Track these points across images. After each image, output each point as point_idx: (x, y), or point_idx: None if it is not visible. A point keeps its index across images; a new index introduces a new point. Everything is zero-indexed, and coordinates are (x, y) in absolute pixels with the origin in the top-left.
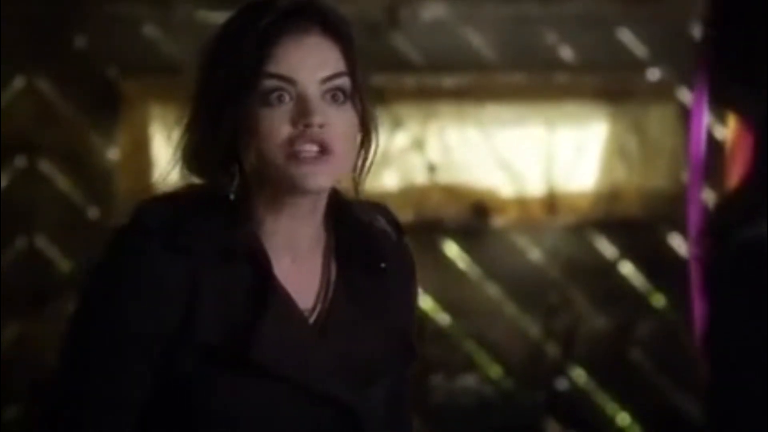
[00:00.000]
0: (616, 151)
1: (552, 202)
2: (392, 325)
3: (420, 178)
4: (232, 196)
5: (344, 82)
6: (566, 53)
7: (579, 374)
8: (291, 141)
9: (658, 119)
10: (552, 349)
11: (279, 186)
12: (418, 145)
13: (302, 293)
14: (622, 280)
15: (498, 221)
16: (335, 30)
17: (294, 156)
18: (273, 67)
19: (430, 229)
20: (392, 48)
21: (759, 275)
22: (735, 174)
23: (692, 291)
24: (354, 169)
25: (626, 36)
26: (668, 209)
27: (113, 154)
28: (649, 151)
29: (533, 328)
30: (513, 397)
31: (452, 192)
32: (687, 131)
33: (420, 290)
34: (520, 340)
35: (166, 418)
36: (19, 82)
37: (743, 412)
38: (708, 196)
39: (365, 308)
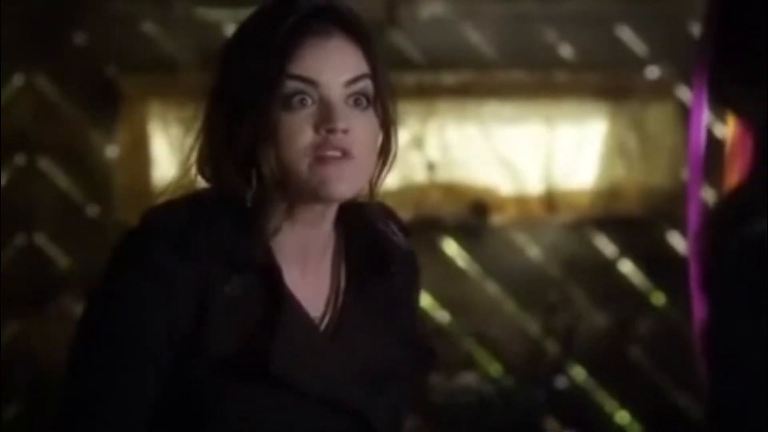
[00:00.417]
0: (616, 149)
1: (551, 200)
2: (403, 329)
3: (419, 176)
4: (249, 203)
5: (367, 85)
6: (566, 51)
7: (579, 372)
8: (313, 147)
9: (658, 117)
10: (552, 347)
11: (299, 193)
12: (418, 143)
13: (312, 299)
14: (622, 278)
15: (497, 219)
16: (357, 32)
17: (317, 161)
18: (295, 69)
19: (430, 227)
20: (392, 46)
21: (760, 273)
22: (734, 172)
23: (692, 289)
24: (371, 177)
25: (626, 34)
26: (668, 207)
27: (112, 151)
28: (649, 149)
29: (533, 326)
30: (513, 395)
31: (452, 190)
32: (686, 129)
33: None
34: (520, 338)
35: (179, 430)
36: (18, 80)
37: (746, 410)
38: (708, 195)
39: (376, 312)
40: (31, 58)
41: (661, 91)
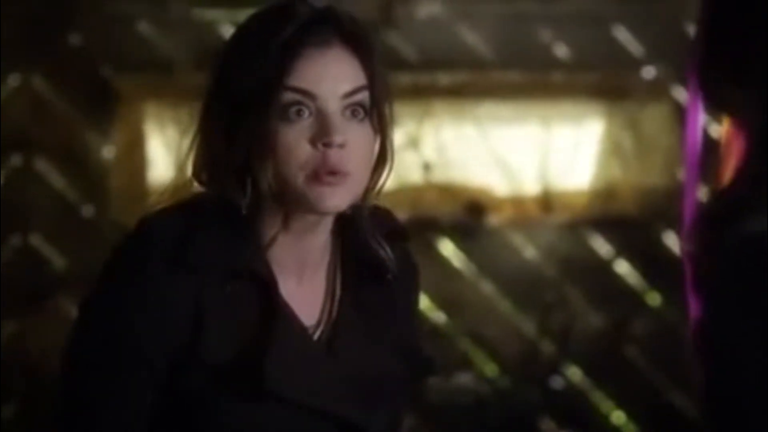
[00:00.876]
0: (612, 149)
1: (547, 200)
2: (400, 338)
3: (415, 176)
4: (244, 211)
5: (364, 96)
6: (562, 51)
7: (574, 372)
8: (310, 163)
9: (654, 117)
10: (547, 347)
11: (295, 205)
12: (414, 143)
13: (307, 308)
14: (618, 278)
15: (493, 219)
16: (356, 41)
17: (313, 179)
18: (293, 81)
19: (426, 227)
20: (387, 46)
21: (751, 272)
22: (726, 172)
23: (686, 288)
24: (366, 189)
25: (622, 34)
26: (664, 207)
27: (108, 152)
28: (645, 149)
29: (529, 326)
30: (509, 395)
31: (447, 190)
32: (682, 129)
33: None
34: (516, 338)
35: None
36: (14, 80)
37: (740, 408)
38: (703, 195)
39: (372, 321)
40: (27, 58)
41: (657, 91)
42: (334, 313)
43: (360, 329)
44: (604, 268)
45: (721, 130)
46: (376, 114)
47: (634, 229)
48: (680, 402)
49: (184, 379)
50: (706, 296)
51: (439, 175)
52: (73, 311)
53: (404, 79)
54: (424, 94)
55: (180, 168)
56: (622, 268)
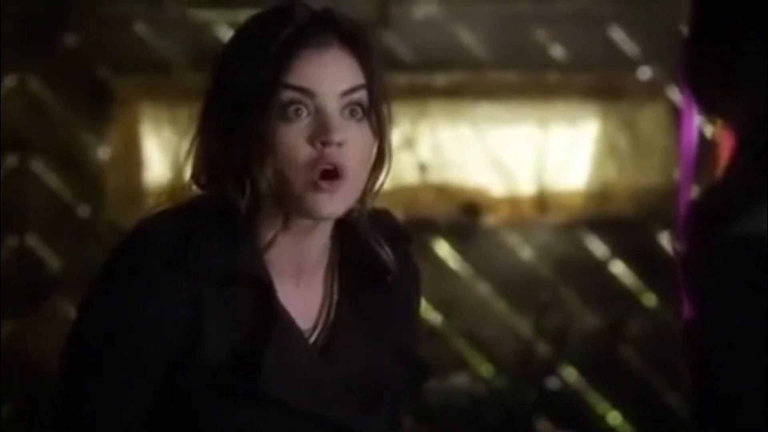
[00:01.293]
0: (608, 149)
1: (543, 201)
2: (398, 342)
3: (411, 177)
4: (243, 212)
5: (362, 95)
6: (558, 52)
7: (570, 373)
8: (309, 163)
9: (650, 118)
10: (543, 348)
11: (292, 208)
12: (410, 143)
13: (304, 312)
14: (614, 279)
15: (489, 220)
16: (354, 41)
17: (312, 183)
18: (292, 79)
19: (422, 227)
20: (383, 46)
21: (745, 273)
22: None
23: (679, 295)
24: (364, 191)
25: (618, 35)
26: (660, 208)
27: (104, 152)
28: (641, 150)
29: (524, 327)
30: (504, 395)
31: (443, 191)
32: (678, 130)
33: None
34: (512, 339)
35: None
36: (10, 81)
37: (730, 410)
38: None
39: (370, 324)
40: (24, 58)
41: (652, 92)
42: (332, 317)
43: (358, 332)
44: (599, 268)
45: (715, 130)
46: (375, 114)
47: (629, 229)
48: (676, 402)
49: (182, 381)
50: (696, 297)
51: (435, 176)
52: (70, 311)
53: (400, 79)
54: (420, 94)
55: (178, 170)
56: (618, 268)
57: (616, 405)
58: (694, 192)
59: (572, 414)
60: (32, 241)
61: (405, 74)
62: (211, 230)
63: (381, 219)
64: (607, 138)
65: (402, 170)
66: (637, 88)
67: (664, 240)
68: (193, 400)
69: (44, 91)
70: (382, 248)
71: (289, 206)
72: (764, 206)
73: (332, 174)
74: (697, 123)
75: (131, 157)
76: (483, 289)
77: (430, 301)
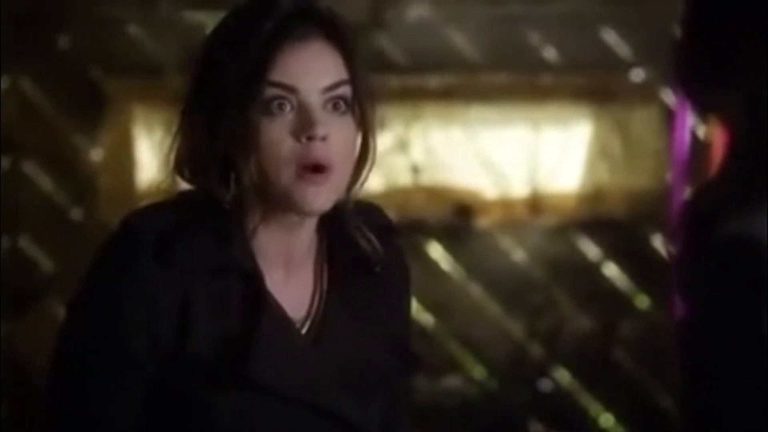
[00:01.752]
0: (600, 151)
1: (536, 203)
2: (389, 332)
3: (404, 178)
4: (227, 205)
5: (345, 90)
6: (550, 54)
7: (563, 375)
8: (293, 157)
9: (642, 120)
10: (536, 350)
11: (278, 202)
12: (402, 145)
13: (294, 302)
14: (606, 281)
15: (482, 222)
16: (337, 35)
17: (297, 177)
18: (275, 75)
19: (414, 229)
20: (376, 48)
21: (737, 273)
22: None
23: (672, 295)
24: (349, 184)
25: (610, 37)
26: (652, 210)
27: (97, 154)
28: (633, 152)
29: (517, 329)
30: (497, 397)
31: (436, 193)
32: (671, 132)
33: None
34: (504, 341)
35: None
36: (3, 83)
37: (720, 410)
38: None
39: (360, 314)
40: (15, 60)
41: (645, 94)
42: (322, 307)
43: (348, 322)
44: (592, 270)
45: (708, 132)
46: (358, 108)
47: (622, 231)
48: (668, 404)
49: (173, 373)
50: (688, 296)
51: (428, 178)
52: (62, 313)
53: (393, 81)
54: (412, 96)
55: (164, 165)
56: (611, 270)
57: (609, 407)
58: (686, 194)
59: (565, 416)
60: (25, 242)
61: (398, 76)
62: (197, 223)
63: (368, 212)
64: (600, 140)
65: (395, 172)
66: (629, 90)
67: (657, 242)
68: (185, 392)
69: (37, 93)
70: (368, 240)
71: (275, 201)
72: (757, 206)
73: (318, 169)
74: (689, 125)
75: (124, 159)
76: (476, 290)
77: (423, 302)
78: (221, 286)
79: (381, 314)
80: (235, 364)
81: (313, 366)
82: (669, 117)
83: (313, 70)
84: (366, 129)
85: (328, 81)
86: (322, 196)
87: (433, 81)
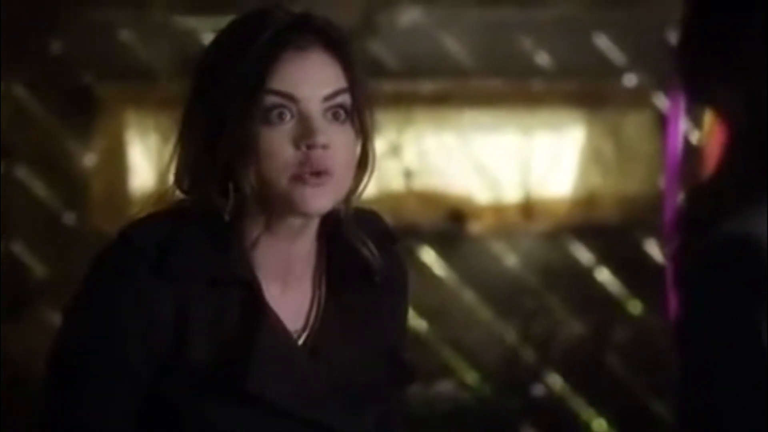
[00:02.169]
0: (593, 157)
1: (528, 208)
2: (385, 343)
3: (396, 183)
4: (227, 217)
5: (345, 99)
6: (543, 59)
7: (555, 380)
8: (293, 164)
9: (635, 125)
10: (528, 355)
11: (278, 208)
12: (395, 150)
13: (292, 313)
14: (599, 286)
15: (474, 227)
16: (335, 44)
17: (297, 179)
18: (274, 84)
19: (407, 234)
20: (369, 53)
21: (734, 274)
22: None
23: (668, 296)
24: (348, 192)
25: (603, 42)
26: (645, 215)
27: (89, 159)
28: (626, 157)
29: (510, 334)
30: (489, 402)
31: (429, 198)
32: (663, 137)
33: None
34: (497, 346)
35: None
36: None
37: (717, 411)
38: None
39: (357, 325)
40: (8, 65)
41: (638, 99)
42: (320, 318)
43: (345, 334)
44: (585, 275)
45: (701, 137)
46: (357, 116)
47: (615, 236)
48: (661, 409)
49: (169, 383)
50: (685, 297)
51: (421, 183)
52: (55, 318)
53: (385, 86)
54: (405, 101)
55: (162, 176)
56: (603, 275)
57: (602, 412)
58: (681, 197)
59: (557, 421)
60: (17, 247)
61: (390, 81)
62: (195, 234)
63: (367, 220)
64: (593, 145)
65: (387, 177)
66: (622, 95)
67: (650, 247)
68: (181, 402)
69: (29, 98)
70: (367, 249)
71: (275, 207)
72: (757, 206)
73: (318, 174)
74: (682, 130)
75: (116, 164)
76: (468, 296)
77: (416, 307)
78: (219, 297)
79: (378, 325)
80: (233, 377)
81: (309, 378)
82: (662, 122)
83: (312, 79)
84: (365, 137)
85: (327, 90)
86: (322, 198)
87: (426, 86)
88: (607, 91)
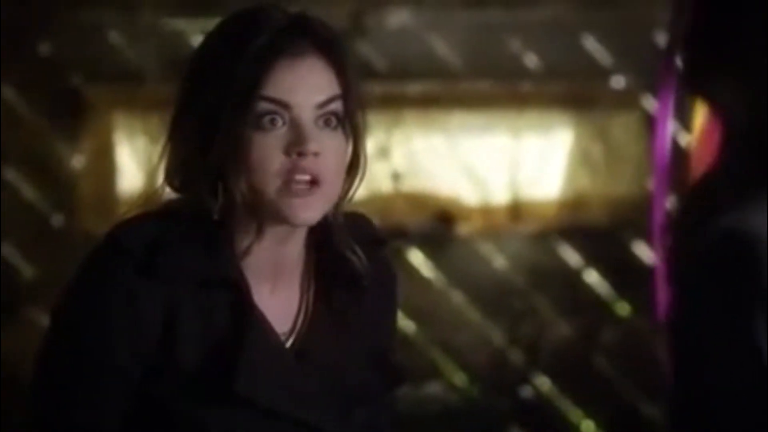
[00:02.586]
0: (581, 158)
1: (516, 210)
2: (373, 347)
3: (385, 185)
4: (216, 216)
5: (337, 106)
6: (531, 61)
7: (543, 382)
8: (284, 171)
9: (623, 127)
10: (517, 357)
11: (267, 215)
12: (383, 152)
13: (280, 315)
14: (587, 288)
15: (463, 229)
16: (330, 49)
17: (286, 188)
18: (268, 90)
19: (395, 236)
20: (357, 55)
21: (727, 270)
22: (702, 166)
23: (656, 298)
24: (339, 197)
25: (591, 44)
26: (633, 217)
27: (78, 161)
28: (614, 159)
29: (498, 336)
30: (478, 404)
31: (417, 199)
32: (651, 139)
33: None
34: (485, 348)
35: None
36: None
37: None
38: (672, 203)
39: (345, 328)
40: None
41: (626, 100)
42: (308, 321)
43: (333, 337)
44: (573, 277)
45: (690, 139)
46: (349, 122)
47: (603, 238)
48: (649, 411)
49: (157, 385)
50: (678, 294)
51: (409, 185)
52: (44, 320)
53: (374, 88)
54: (394, 103)
55: (151, 176)
56: (591, 277)
57: (590, 414)
58: (667, 200)
59: (546, 423)
60: (6, 250)
61: (379, 83)
62: (184, 235)
63: (357, 224)
64: (581, 147)
65: (376, 179)
66: (610, 97)
67: (638, 249)
68: (170, 404)
69: (17, 100)
70: (355, 254)
71: (265, 214)
72: (753, 201)
73: (308, 182)
74: (670, 131)
75: (105, 166)
76: (456, 297)
77: (404, 309)
78: (208, 298)
79: (366, 328)
80: (221, 379)
81: (297, 380)
82: (650, 124)
83: (305, 86)
84: (356, 143)
85: (320, 97)
86: (310, 209)
87: (414, 88)
88: (595, 93)
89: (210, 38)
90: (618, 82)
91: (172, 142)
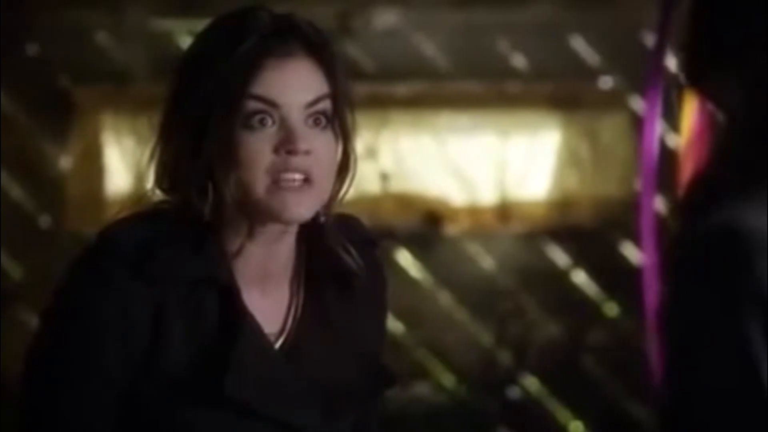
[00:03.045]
0: (569, 159)
1: (504, 211)
2: (363, 349)
3: (373, 186)
4: (206, 218)
5: (326, 105)
6: (519, 61)
7: (531, 382)
8: (273, 169)
9: (611, 127)
10: (504, 357)
11: (258, 214)
12: (371, 153)
13: (270, 316)
14: (575, 288)
15: (451, 229)
16: (318, 50)
17: (276, 185)
18: (256, 90)
19: (383, 237)
20: (345, 56)
21: (723, 263)
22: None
23: (644, 298)
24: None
25: (579, 44)
26: (621, 217)
27: (65, 162)
28: (602, 160)
29: (486, 336)
30: (465, 405)
31: (405, 200)
32: (639, 139)
33: None
34: (473, 348)
35: None
36: None
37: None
38: (660, 204)
39: (335, 330)
40: None
41: (613, 101)
42: (297, 323)
43: (323, 338)
44: (561, 277)
45: (678, 140)
46: (339, 123)
47: (591, 239)
48: (637, 412)
49: (147, 386)
50: (670, 287)
51: (397, 185)
52: (32, 321)
53: (362, 89)
54: (381, 104)
55: (140, 177)
56: (579, 278)
57: (578, 414)
58: (655, 201)
59: (533, 423)
60: None
61: (367, 84)
62: (174, 236)
63: (349, 225)
64: (569, 147)
65: (364, 180)
66: (598, 97)
67: (626, 249)
68: (160, 405)
69: (5, 101)
70: (348, 254)
71: (255, 212)
72: (748, 196)
73: (301, 181)
74: (658, 132)
75: (93, 167)
76: (444, 298)
77: (392, 310)
78: (197, 300)
79: (356, 330)
80: (211, 381)
81: (286, 382)
82: (637, 124)
83: (294, 85)
84: (346, 143)
85: (309, 96)
86: (302, 205)
87: (402, 89)
88: (583, 94)
89: (198, 40)
90: (606, 82)
91: (161, 144)
